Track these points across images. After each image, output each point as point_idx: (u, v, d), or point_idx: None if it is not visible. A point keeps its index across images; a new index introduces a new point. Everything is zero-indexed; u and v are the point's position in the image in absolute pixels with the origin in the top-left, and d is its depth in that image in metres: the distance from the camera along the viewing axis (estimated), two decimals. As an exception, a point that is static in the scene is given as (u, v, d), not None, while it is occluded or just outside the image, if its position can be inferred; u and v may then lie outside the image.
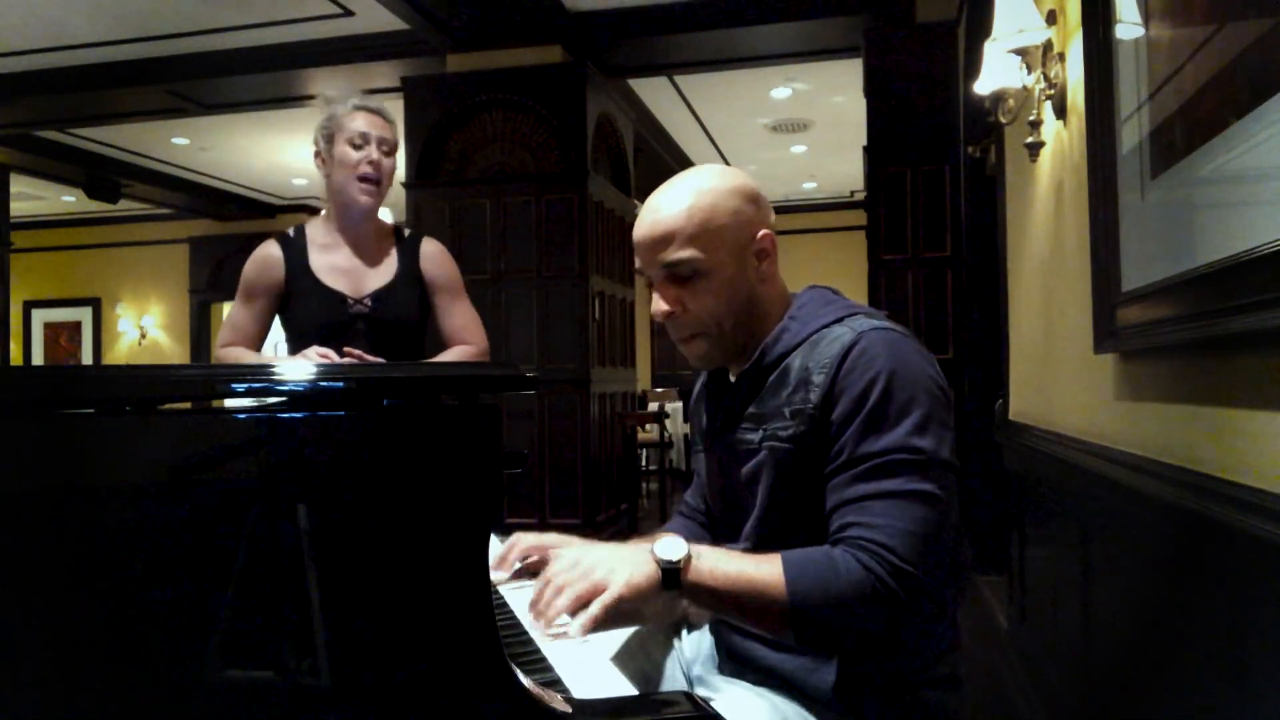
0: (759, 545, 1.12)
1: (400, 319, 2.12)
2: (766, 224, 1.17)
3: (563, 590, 1.01)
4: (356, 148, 2.04)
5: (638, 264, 1.18)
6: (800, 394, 1.09)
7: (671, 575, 1.01)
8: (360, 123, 2.05)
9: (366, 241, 2.14)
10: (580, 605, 0.99)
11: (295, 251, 2.11)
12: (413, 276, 2.14)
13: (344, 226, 2.12)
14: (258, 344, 2.14)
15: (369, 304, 2.08)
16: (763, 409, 1.14)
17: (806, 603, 0.99)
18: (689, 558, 1.02)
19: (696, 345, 1.18)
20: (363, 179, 2.04)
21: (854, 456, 1.03)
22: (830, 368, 1.07)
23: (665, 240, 1.13)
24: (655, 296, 1.18)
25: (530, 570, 1.32)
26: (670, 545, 1.03)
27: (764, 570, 1.01)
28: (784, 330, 1.16)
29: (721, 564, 1.03)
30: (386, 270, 2.13)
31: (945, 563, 1.03)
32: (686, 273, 1.13)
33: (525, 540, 1.33)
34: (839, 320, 1.13)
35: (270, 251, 2.12)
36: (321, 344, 1.98)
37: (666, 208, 1.14)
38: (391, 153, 2.09)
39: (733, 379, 1.22)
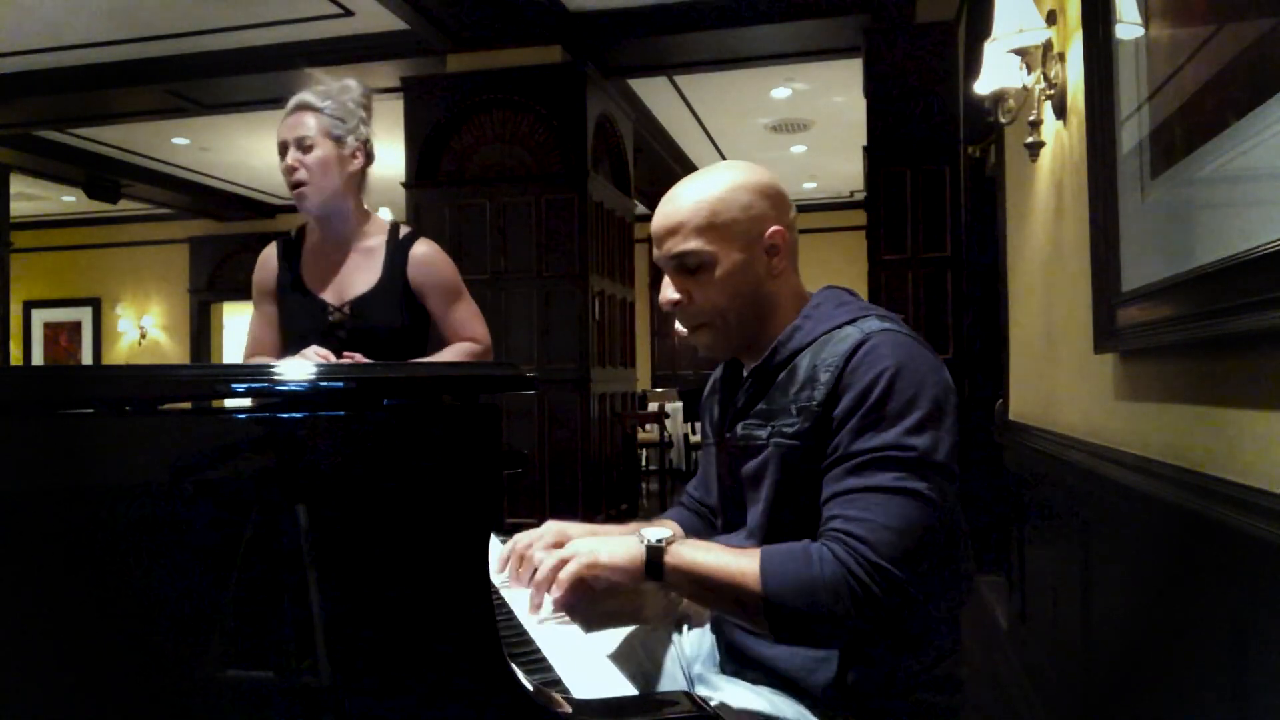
0: (765, 541, 1.12)
1: (380, 327, 2.04)
2: (782, 221, 1.19)
3: (531, 563, 1.09)
4: (282, 159, 2.01)
5: (654, 254, 1.21)
6: (807, 391, 1.10)
7: (655, 553, 1.06)
8: (280, 133, 2.01)
9: (352, 242, 2.07)
10: (547, 582, 1.06)
11: (291, 254, 2.09)
12: (398, 283, 2.06)
13: (324, 232, 2.08)
14: (277, 349, 2.10)
15: (347, 312, 2.03)
16: (771, 406, 1.15)
17: (779, 594, 0.99)
18: (673, 539, 1.07)
19: (703, 335, 1.21)
20: (292, 187, 1.99)
21: (849, 451, 1.04)
22: (836, 366, 1.08)
23: (674, 231, 1.16)
24: (665, 284, 1.21)
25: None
26: (657, 529, 1.09)
27: (743, 561, 1.03)
28: (797, 329, 1.17)
29: (702, 553, 1.06)
30: (370, 276, 2.05)
31: (933, 563, 1.03)
32: (693, 264, 1.16)
33: (523, 539, 1.33)
34: (851, 321, 1.14)
35: (268, 254, 2.10)
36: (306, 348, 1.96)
37: (679, 199, 1.17)
38: (311, 147, 1.99)
39: (746, 375, 1.23)
